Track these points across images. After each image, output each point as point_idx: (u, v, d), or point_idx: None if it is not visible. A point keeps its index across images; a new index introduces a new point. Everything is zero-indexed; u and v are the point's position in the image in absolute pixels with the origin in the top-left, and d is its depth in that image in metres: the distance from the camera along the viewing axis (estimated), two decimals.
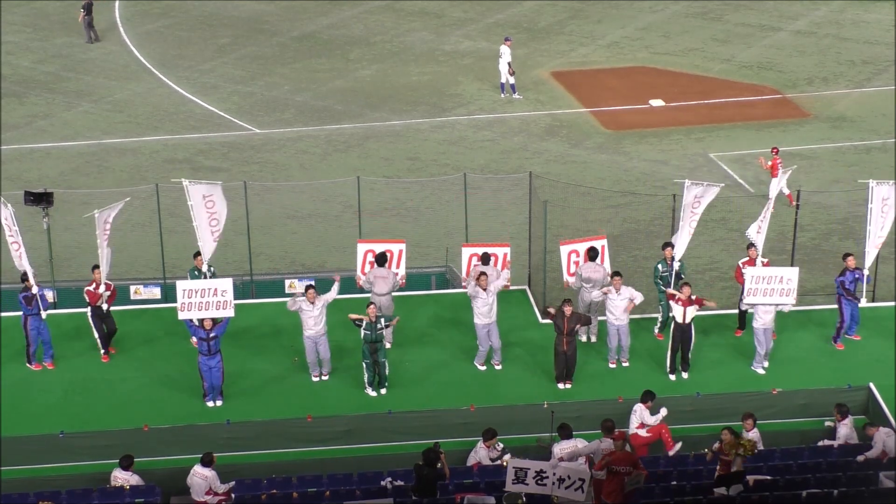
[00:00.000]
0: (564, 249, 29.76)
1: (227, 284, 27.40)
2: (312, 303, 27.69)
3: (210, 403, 27.50)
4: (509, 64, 45.34)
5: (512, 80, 45.51)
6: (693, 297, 28.00)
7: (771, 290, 28.24)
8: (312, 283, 28.48)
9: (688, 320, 27.97)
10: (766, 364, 28.77)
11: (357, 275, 29.51)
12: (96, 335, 28.90)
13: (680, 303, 27.91)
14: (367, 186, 33.41)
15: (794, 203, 32.45)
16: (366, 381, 27.94)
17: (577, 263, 29.60)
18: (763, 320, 28.33)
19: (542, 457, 25.22)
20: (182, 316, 27.25)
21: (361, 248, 29.68)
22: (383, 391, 27.97)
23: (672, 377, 28.47)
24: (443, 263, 33.61)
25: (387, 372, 27.90)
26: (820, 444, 25.96)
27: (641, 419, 26.03)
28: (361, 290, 29.55)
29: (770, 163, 36.80)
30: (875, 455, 25.08)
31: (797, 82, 47.00)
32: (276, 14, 54.07)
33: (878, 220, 29.89)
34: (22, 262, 28.41)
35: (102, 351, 29.01)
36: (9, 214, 28.52)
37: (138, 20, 53.35)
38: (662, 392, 27.74)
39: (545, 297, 30.84)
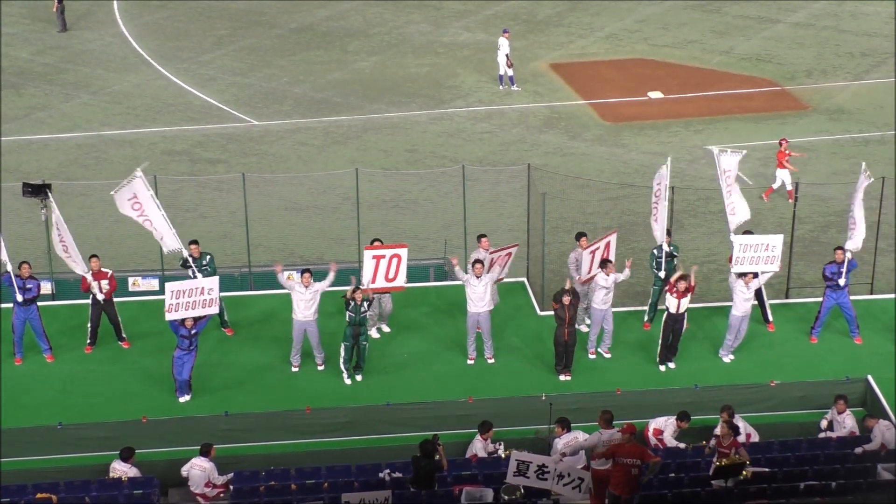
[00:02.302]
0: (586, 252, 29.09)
1: (213, 283, 27.54)
2: (306, 286, 27.76)
3: (181, 398, 27.54)
4: (507, 56, 45.32)
5: (510, 73, 45.50)
6: (688, 287, 28.02)
7: (757, 257, 28.34)
8: (310, 269, 28.46)
9: (681, 310, 28.02)
10: (731, 356, 28.83)
11: (366, 286, 28.86)
12: (89, 325, 28.90)
13: (675, 295, 27.93)
14: (366, 178, 33.40)
15: (793, 198, 32.44)
16: (341, 363, 28.00)
17: (592, 255, 29.01)
18: (741, 308, 28.29)
19: (540, 449, 25.27)
20: (170, 317, 27.12)
21: (368, 255, 28.74)
22: (359, 377, 28.05)
23: (662, 368, 28.50)
24: (441, 255, 33.62)
25: (365, 355, 28.00)
26: (821, 435, 25.97)
27: (664, 428, 25.97)
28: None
29: (788, 154, 36.90)
30: (874, 448, 25.11)
31: (796, 74, 47.00)
32: (275, 6, 54.01)
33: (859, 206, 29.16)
34: None
35: (88, 340, 29.01)
36: None
37: (136, 11, 53.30)
38: (658, 384, 27.81)
39: (544, 290, 30.80)
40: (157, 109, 44.46)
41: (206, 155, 40.93)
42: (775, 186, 36.94)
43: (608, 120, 43.55)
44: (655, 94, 45.49)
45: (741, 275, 28.31)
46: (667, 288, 28.31)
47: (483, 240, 29.33)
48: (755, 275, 28.32)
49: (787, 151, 36.82)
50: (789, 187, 36.27)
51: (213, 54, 49.20)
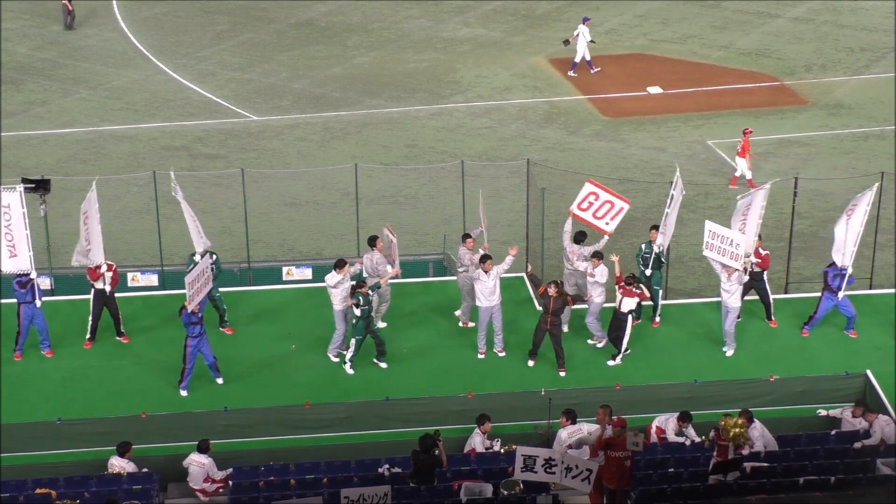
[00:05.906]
0: (587, 188, 29.75)
1: (207, 261, 27.94)
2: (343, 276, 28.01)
3: (183, 392, 27.55)
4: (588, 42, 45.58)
5: (588, 56, 45.59)
6: (636, 291, 27.94)
7: (723, 249, 28.18)
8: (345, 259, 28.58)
9: (623, 309, 27.93)
10: (727, 350, 28.81)
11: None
12: (90, 320, 28.88)
13: (622, 292, 27.86)
14: (365, 174, 33.38)
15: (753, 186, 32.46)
16: (349, 356, 28.08)
17: (590, 203, 29.57)
18: (722, 297, 28.26)
19: (540, 444, 25.28)
20: (192, 307, 27.08)
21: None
22: (384, 364, 28.23)
23: (610, 363, 28.47)
24: (440, 251, 33.62)
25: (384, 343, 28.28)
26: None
27: (665, 426, 25.94)
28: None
29: (742, 144, 37.35)
30: (873, 443, 25.10)
31: (795, 69, 46.98)
32: (274, 1, 53.98)
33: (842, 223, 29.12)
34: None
35: (88, 336, 28.98)
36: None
37: (136, 7, 53.27)
38: (658, 378, 27.78)
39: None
40: (156, 105, 44.44)
41: (205, 150, 40.92)
42: (748, 176, 37.30)
43: (607, 115, 43.54)
44: (655, 90, 45.48)
45: (724, 266, 28.23)
46: (617, 282, 28.25)
47: (468, 241, 29.16)
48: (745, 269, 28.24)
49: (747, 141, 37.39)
50: (749, 176, 36.98)
51: (212, 49, 49.18)
